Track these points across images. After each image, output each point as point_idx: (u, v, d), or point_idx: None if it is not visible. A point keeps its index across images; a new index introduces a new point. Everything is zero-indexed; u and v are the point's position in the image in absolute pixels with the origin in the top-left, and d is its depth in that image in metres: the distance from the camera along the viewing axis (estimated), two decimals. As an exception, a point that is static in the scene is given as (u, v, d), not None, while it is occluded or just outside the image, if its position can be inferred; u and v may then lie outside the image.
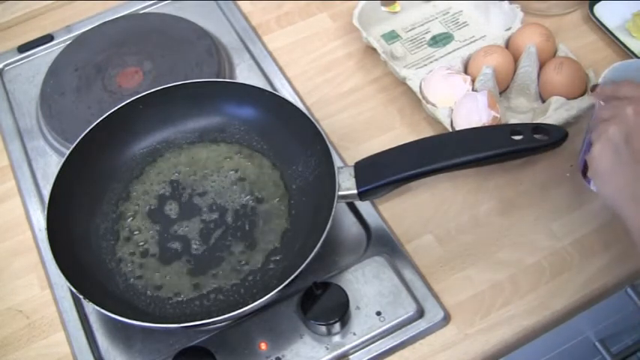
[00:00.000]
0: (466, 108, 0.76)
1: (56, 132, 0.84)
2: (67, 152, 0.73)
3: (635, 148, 0.57)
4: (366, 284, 0.68)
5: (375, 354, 0.65)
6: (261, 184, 0.75)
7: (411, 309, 0.66)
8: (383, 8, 0.90)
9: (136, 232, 0.73)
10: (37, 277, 0.74)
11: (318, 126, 0.72)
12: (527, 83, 0.80)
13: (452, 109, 0.78)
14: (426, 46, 0.88)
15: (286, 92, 0.85)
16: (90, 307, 0.71)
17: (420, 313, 0.67)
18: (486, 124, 0.74)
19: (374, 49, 0.86)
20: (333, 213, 0.66)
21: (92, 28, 0.95)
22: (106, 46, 0.92)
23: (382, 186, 0.68)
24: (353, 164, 0.70)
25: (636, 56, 0.83)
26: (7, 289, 0.74)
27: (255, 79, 0.88)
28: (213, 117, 0.80)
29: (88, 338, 0.69)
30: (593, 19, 0.87)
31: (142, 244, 0.72)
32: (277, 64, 0.89)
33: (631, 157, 0.57)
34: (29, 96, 0.90)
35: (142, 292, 0.69)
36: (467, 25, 0.90)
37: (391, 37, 0.89)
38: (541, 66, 0.80)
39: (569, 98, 0.77)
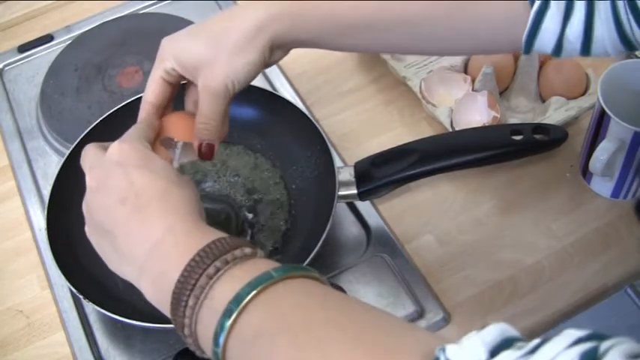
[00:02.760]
0: (466, 108, 0.76)
1: (56, 132, 0.84)
2: (67, 152, 0.73)
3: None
4: (366, 284, 0.68)
5: (375, 354, 0.65)
6: (261, 184, 0.75)
7: (410, 309, 0.66)
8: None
9: (136, 232, 0.73)
10: (37, 277, 0.74)
11: (318, 126, 0.72)
12: (527, 83, 0.80)
13: (452, 109, 0.77)
14: (426, 46, 0.88)
15: (286, 92, 0.85)
16: (90, 307, 0.71)
17: (420, 314, 0.66)
18: (486, 124, 0.74)
19: (374, 49, 0.86)
20: (333, 213, 0.65)
21: (92, 28, 0.95)
22: (106, 46, 0.92)
23: (382, 186, 0.68)
24: (353, 164, 0.70)
25: (636, 56, 0.83)
26: (7, 289, 0.74)
27: (255, 79, 0.88)
28: (213, 117, 0.79)
29: (88, 338, 0.68)
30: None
31: (142, 244, 0.72)
32: (277, 64, 0.88)
33: None
34: (29, 96, 0.90)
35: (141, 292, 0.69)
36: (467, 25, 0.89)
37: (391, 37, 0.89)
38: (541, 66, 0.80)
39: (569, 98, 0.77)
